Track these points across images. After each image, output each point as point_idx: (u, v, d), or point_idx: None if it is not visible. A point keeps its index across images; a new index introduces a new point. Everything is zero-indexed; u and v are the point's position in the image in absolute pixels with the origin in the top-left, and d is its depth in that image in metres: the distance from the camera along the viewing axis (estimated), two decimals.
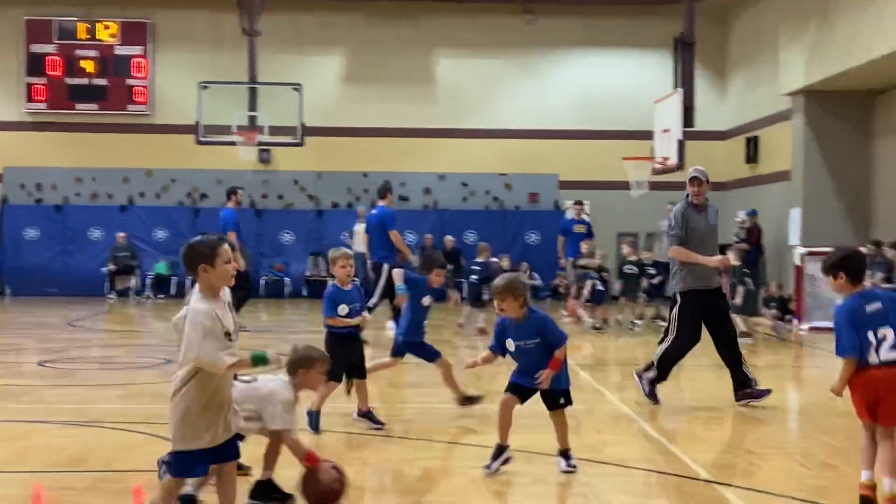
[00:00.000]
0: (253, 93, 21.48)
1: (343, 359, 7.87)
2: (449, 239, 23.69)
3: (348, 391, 8.06)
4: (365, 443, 7.55)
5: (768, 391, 9.16)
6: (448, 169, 24.88)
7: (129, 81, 24.52)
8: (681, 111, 17.65)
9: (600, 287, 16.90)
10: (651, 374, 9.29)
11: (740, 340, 10.11)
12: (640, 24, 24.54)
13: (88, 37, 24.40)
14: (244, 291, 14.99)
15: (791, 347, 15.75)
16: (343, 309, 7.91)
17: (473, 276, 17.15)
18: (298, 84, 21.79)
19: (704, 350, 9.47)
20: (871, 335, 5.56)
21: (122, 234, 23.59)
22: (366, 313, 8.30)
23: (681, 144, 17.76)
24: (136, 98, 24.51)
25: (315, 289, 21.85)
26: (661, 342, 9.54)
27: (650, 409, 9.02)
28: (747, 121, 23.40)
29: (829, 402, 9.01)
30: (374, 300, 14.34)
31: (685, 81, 18.27)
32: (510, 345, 6.49)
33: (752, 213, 20.49)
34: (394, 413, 8.84)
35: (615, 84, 24.73)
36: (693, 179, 9.57)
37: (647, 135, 20.21)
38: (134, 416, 8.47)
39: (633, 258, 17.84)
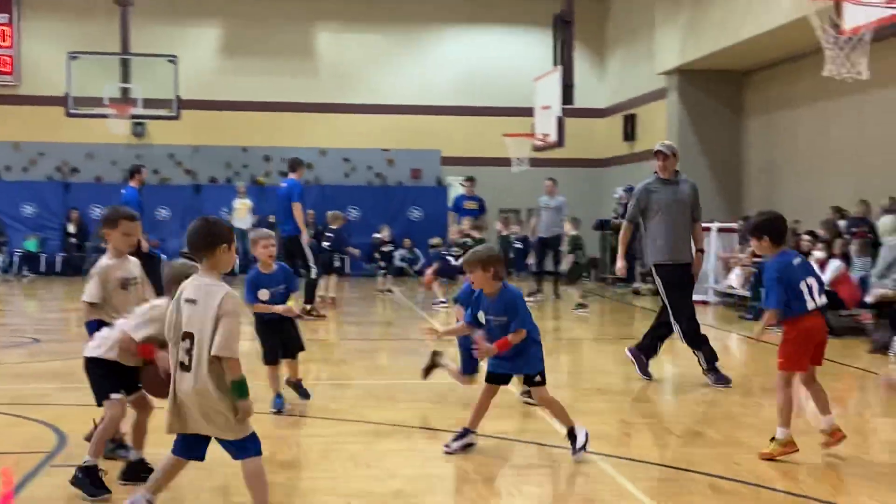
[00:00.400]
0: (125, 64, 20.88)
1: (275, 341, 7.81)
2: (338, 214, 23.52)
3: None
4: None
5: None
6: (329, 144, 24.67)
7: None
8: (560, 89, 17.85)
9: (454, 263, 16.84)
10: (701, 361, 9.15)
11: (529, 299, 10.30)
12: (521, 2, 24.68)
13: None
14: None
15: None
16: (264, 294, 7.66)
17: (325, 244, 17.31)
18: (174, 56, 21.29)
19: (589, 326, 9.59)
20: (802, 285, 6.10)
21: None
22: (291, 302, 7.87)
23: (560, 121, 17.97)
24: (1, 68, 23.63)
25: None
26: (658, 326, 9.43)
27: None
28: (625, 99, 23.81)
29: (699, 373, 9.28)
30: (314, 272, 14.47)
31: (565, 59, 18.47)
32: (481, 317, 6.43)
33: (629, 190, 20.83)
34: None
35: (497, 61, 24.86)
36: (658, 153, 9.42)
37: (528, 112, 20.40)
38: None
39: (504, 233, 18.10)
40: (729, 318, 15.22)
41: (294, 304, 7.89)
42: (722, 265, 17.06)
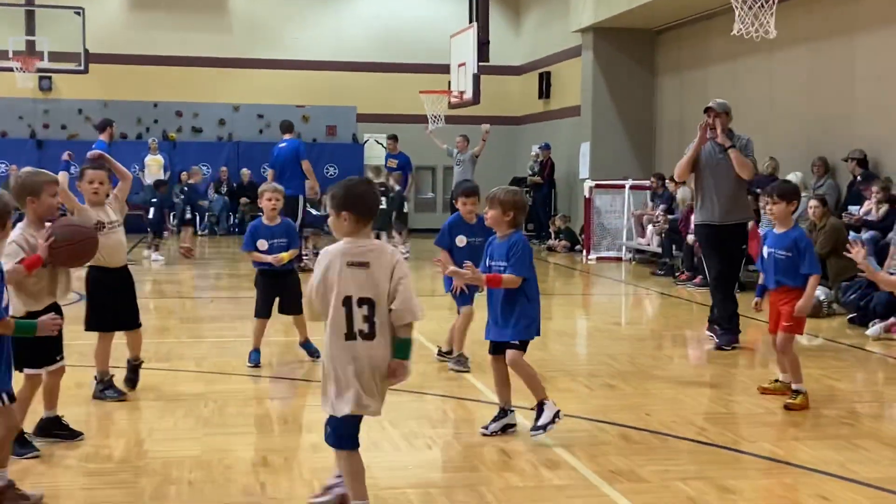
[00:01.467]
0: (30, 16, 20.29)
1: (270, 295, 7.87)
2: (245, 172, 23.47)
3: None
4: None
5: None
6: (243, 100, 24.38)
7: None
8: (476, 46, 17.81)
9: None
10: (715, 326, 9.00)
11: None
12: None
13: None
14: None
15: (580, 277, 16.34)
16: (262, 244, 7.77)
17: (180, 197, 17.91)
18: (80, 8, 20.74)
19: None
20: None
21: None
22: (284, 254, 7.80)
23: (476, 79, 17.95)
24: None
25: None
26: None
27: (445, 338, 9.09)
28: (540, 56, 23.87)
29: (615, 327, 9.47)
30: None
31: (480, 16, 18.43)
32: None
33: (546, 147, 21.06)
34: None
35: (413, 16, 24.75)
36: (707, 110, 9.12)
37: (444, 69, 20.32)
38: None
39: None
40: (643, 274, 15.50)
41: (287, 255, 7.82)
42: (636, 222, 17.28)
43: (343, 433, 4.19)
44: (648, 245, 16.65)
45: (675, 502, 4.68)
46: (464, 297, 7.56)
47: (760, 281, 6.81)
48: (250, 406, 6.55)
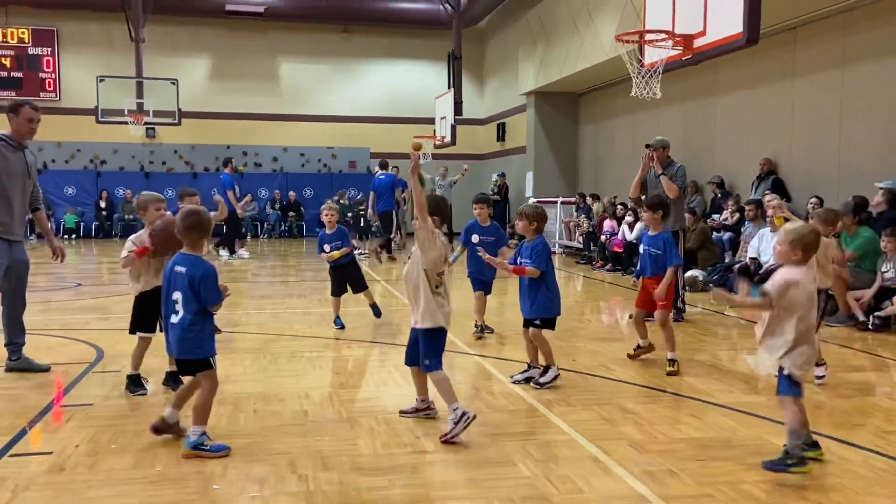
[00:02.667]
0: (140, 85, 20.20)
1: (340, 280, 7.87)
2: (291, 194, 23.48)
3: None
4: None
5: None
6: (290, 143, 24.28)
7: (41, 75, 22.64)
8: (453, 104, 17.86)
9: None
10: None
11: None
12: (424, 42, 24.54)
13: (5, 40, 22.29)
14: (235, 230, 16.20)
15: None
16: (327, 248, 7.75)
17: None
18: (175, 79, 20.77)
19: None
20: None
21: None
22: (335, 252, 7.66)
23: (453, 128, 18.02)
24: (47, 87, 22.65)
25: None
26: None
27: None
28: (498, 111, 23.90)
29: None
30: (395, 238, 16.53)
31: (455, 84, 18.47)
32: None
33: (502, 175, 21.07)
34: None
35: (408, 84, 24.72)
36: (648, 146, 8.55)
37: (430, 120, 20.41)
38: (53, 326, 7.94)
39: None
40: (570, 264, 15.54)
41: (338, 253, 7.70)
42: (565, 227, 17.36)
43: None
44: (573, 242, 16.73)
45: (593, 419, 4.70)
46: (477, 284, 7.41)
47: (638, 268, 6.48)
48: (295, 358, 6.53)
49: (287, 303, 9.85)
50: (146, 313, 5.23)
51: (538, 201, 17.83)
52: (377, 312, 8.00)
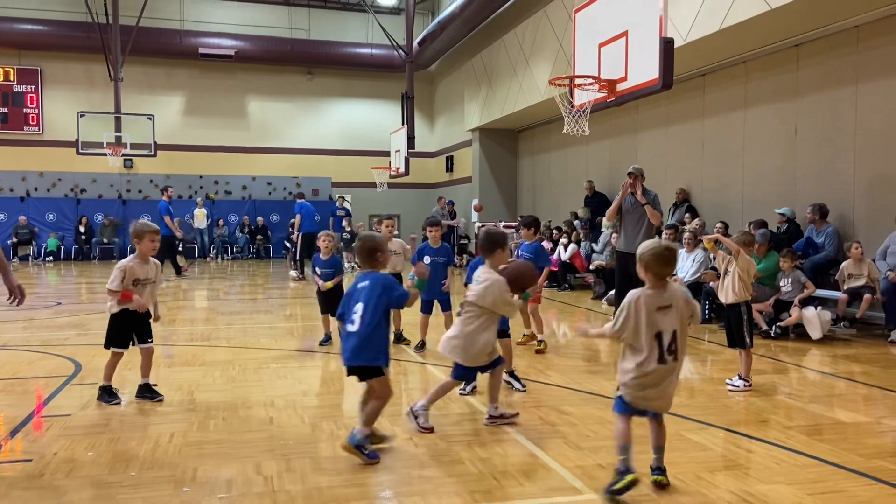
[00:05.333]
0: (118, 120, 19.76)
1: (326, 304, 7.30)
2: (259, 219, 23.21)
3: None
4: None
5: None
6: (258, 173, 24.01)
7: (25, 110, 22.07)
8: (406, 139, 17.88)
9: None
10: None
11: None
12: (380, 84, 24.62)
13: None
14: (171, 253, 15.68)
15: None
16: (319, 272, 7.29)
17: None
18: (152, 115, 20.43)
19: None
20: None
21: (22, 218, 21.29)
22: (329, 283, 7.18)
23: (407, 160, 18.02)
24: (30, 122, 22.09)
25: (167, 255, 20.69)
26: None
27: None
28: (447, 146, 24.05)
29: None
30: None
31: (408, 120, 18.50)
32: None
33: (451, 203, 21.13)
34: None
35: (366, 121, 24.73)
36: (630, 174, 8.25)
37: (386, 153, 20.40)
38: (34, 341, 7.65)
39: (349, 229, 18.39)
40: None
41: (331, 283, 7.20)
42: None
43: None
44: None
45: (532, 421, 4.70)
46: (426, 305, 7.03)
47: None
48: (262, 368, 6.42)
49: (254, 318, 9.67)
50: (121, 331, 5.09)
51: (482, 225, 17.99)
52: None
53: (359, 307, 3.90)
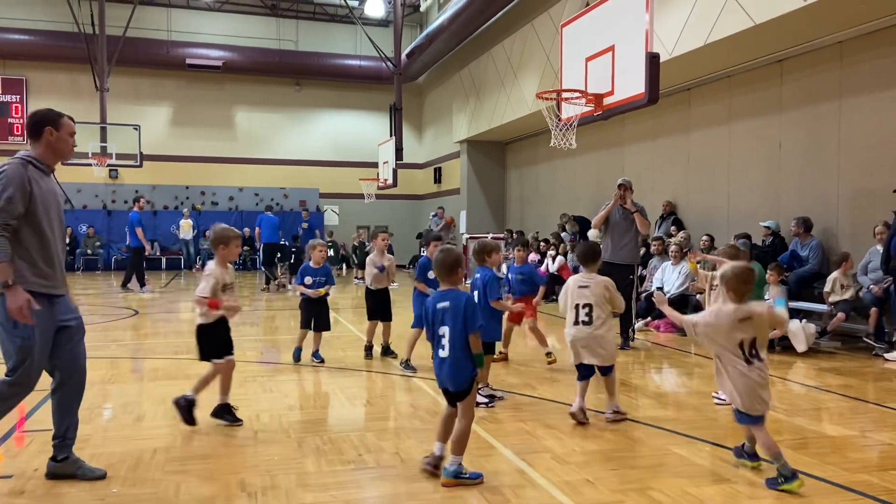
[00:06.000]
0: (104, 130, 19.64)
1: (310, 314, 7.18)
2: (246, 230, 22.93)
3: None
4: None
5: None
6: (245, 184, 23.93)
7: (10, 120, 21.96)
8: (394, 150, 17.90)
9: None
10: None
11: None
12: (369, 95, 24.66)
13: None
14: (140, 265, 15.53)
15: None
16: (308, 280, 7.13)
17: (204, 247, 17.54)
18: (138, 125, 20.29)
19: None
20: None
21: None
22: (322, 289, 7.11)
23: (395, 171, 18.03)
24: (15, 132, 21.98)
25: (150, 263, 20.50)
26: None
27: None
28: (435, 157, 24.09)
29: None
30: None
31: (397, 131, 18.53)
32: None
33: (441, 208, 21.17)
34: None
35: (354, 132, 24.73)
36: (620, 185, 8.32)
37: (374, 164, 20.38)
38: None
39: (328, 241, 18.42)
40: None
41: (323, 290, 7.13)
42: None
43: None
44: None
45: (518, 434, 4.69)
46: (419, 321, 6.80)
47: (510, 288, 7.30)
48: (247, 382, 6.36)
49: (240, 331, 9.59)
50: (215, 337, 4.91)
51: (471, 237, 18.00)
52: (320, 358, 7.20)
53: (445, 331, 3.79)
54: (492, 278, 5.58)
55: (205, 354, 4.91)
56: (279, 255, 17.01)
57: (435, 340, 3.85)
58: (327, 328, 7.31)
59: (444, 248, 4.06)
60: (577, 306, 5.00)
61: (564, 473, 3.94)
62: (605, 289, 5.01)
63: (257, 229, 16.56)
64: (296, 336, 7.47)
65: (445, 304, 3.80)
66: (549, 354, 7.15)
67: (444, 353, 3.79)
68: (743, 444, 4.10)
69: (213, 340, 4.88)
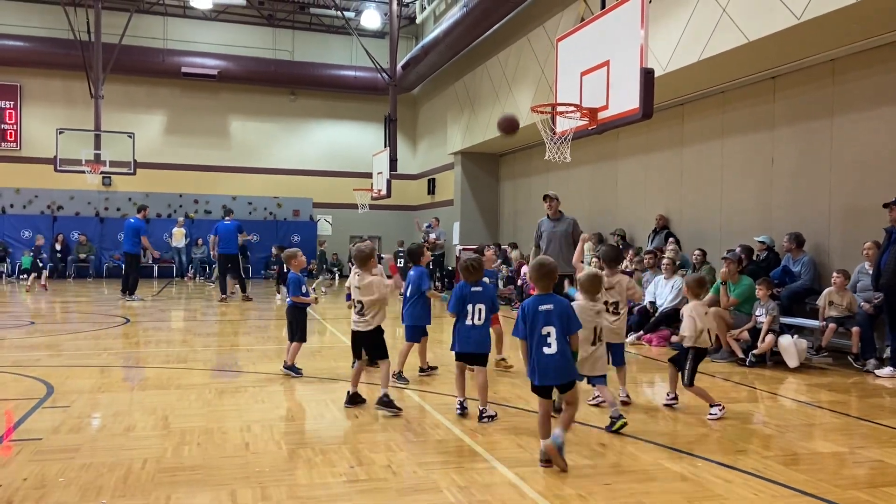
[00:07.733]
0: (98, 137, 19.62)
1: (297, 328, 7.10)
2: (200, 239, 23.06)
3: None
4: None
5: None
6: (238, 193, 23.93)
7: (3, 126, 21.90)
8: (388, 161, 17.93)
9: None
10: None
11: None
12: (363, 106, 24.74)
13: None
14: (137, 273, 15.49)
15: None
16: (304, 289, 7.09)
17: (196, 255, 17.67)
18: (132, 132, 20.31)
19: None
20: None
21: None
22: (313, 296, 7.14)
23: (389, 182, 18.05)
24: (8, 138, 21.94)
25: (142, 272, 20.39)
26: None
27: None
28: (429, 168, 24.15)
29: None
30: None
31: (391, 143, 18.58)
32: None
33: (435, 220, 21.18)
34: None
35: (348, 142, 24.80)
36: (545, 197, 8.68)
37: (368, 175, 20.45)
38: (5, 362, 7.50)
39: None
40: None
41: (314, 297, 7.21)
42: None
43: None
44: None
45: (511, 447, 4.66)
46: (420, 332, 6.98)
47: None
48: (239, 392, 6.34)
49: (232, 340, 9.57)
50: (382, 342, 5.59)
51: (464, 248, 18.04)
52: (297, 371, 7.08)
53: (551, 331, 4.25)
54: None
55: (384, 352, 5.61)
56: (229, 265, 15.41)
57: (538, 339, 4.27)
58: (302, 340, 7.19)
59: (542, 258, 4.54)
60: (605, 303, 5.70)
61: (557, 487, 3.93)
62: (627, 287, 6.09)
63: (213, 238, 15.35)
64: (284, 347, 7.45)
65: (549, 306, 4.30)
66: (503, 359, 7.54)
67: (550, 350, 4.26)
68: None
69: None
